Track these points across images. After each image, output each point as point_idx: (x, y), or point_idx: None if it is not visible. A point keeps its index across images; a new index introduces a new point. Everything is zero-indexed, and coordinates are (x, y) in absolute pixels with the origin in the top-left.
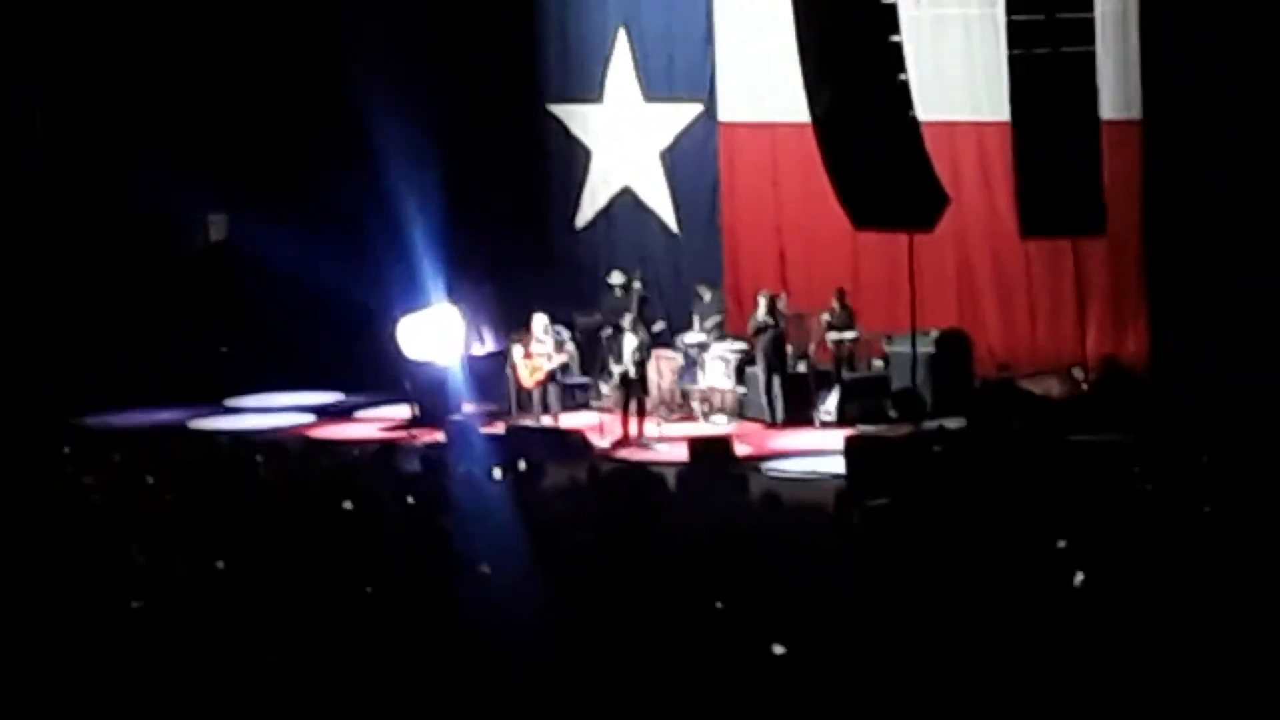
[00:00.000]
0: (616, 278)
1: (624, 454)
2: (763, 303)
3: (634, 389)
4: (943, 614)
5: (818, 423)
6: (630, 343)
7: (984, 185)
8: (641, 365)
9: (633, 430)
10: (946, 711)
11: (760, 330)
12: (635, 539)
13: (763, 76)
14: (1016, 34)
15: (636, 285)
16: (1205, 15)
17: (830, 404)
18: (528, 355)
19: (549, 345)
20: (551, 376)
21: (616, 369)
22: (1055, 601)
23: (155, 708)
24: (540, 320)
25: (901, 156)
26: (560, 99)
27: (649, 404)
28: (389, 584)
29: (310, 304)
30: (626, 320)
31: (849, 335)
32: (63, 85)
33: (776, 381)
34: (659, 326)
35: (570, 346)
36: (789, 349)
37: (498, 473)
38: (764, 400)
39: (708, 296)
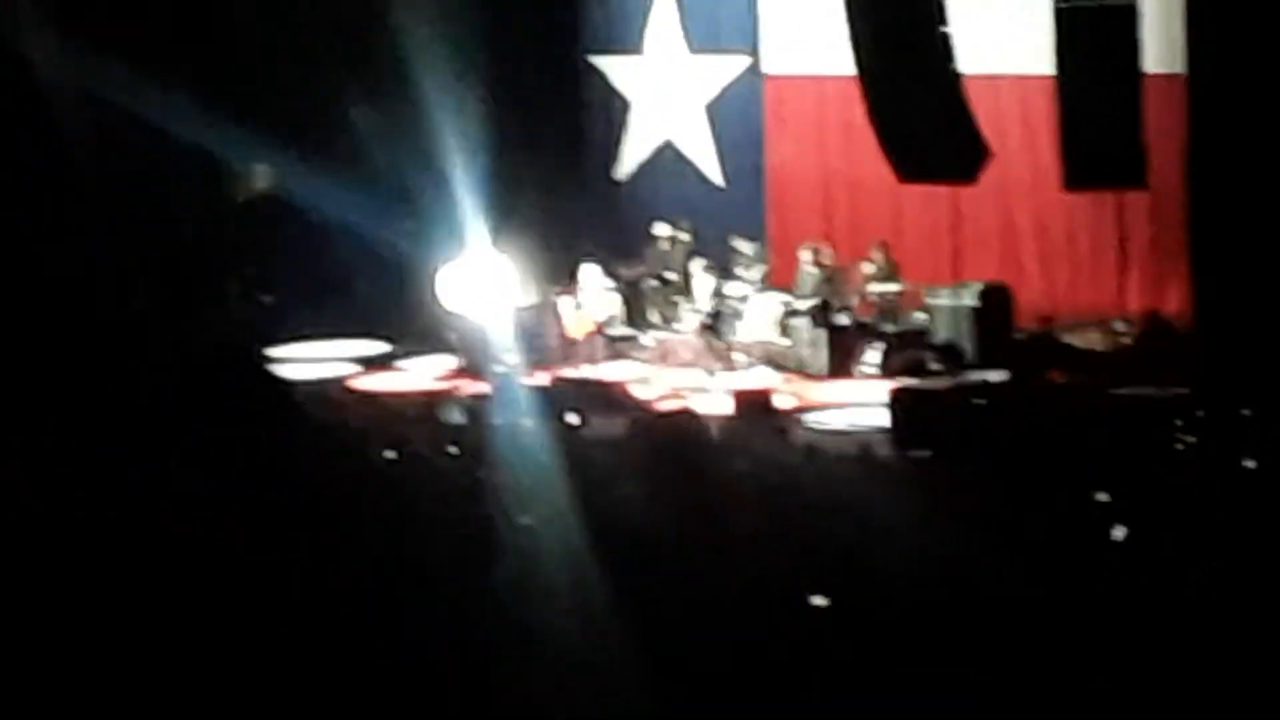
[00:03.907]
0: (662, 229)
1: (667, 405)
2: (807, 255)
3: (713, 334)
4: (982, 566)
5: (860, 375)
6: (706, 288)
7: (1027, 138)
8: (717, 312)
9: None
10: (982, 664)
11: (803, 282)
12: (678, 490)
13: (808, 28)
14: None
15: (685, 237)
16: None
17: (872, 357)
18: (578, 307)
19: (599, 297)
20: (600, 328)
21: (692, 315)
22: (1094, 555)
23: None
24: (592, 271)
25: (943, 109)
26: (601, 50)
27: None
28: (428, 535)
29: (354, 255)
30: (697, 267)
31: (892, 288)
32: (98, 39)
33: (819, 334)
34: None
35: (616, 298)
36: (832, 302)
37: (535, 423)
38: (806, 353)
39: (748, 249)
